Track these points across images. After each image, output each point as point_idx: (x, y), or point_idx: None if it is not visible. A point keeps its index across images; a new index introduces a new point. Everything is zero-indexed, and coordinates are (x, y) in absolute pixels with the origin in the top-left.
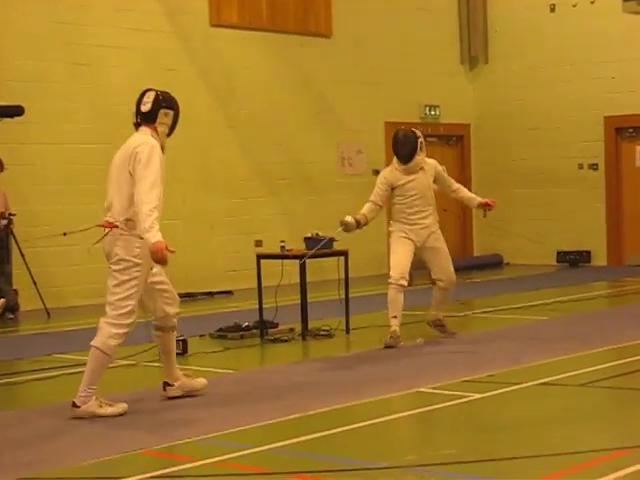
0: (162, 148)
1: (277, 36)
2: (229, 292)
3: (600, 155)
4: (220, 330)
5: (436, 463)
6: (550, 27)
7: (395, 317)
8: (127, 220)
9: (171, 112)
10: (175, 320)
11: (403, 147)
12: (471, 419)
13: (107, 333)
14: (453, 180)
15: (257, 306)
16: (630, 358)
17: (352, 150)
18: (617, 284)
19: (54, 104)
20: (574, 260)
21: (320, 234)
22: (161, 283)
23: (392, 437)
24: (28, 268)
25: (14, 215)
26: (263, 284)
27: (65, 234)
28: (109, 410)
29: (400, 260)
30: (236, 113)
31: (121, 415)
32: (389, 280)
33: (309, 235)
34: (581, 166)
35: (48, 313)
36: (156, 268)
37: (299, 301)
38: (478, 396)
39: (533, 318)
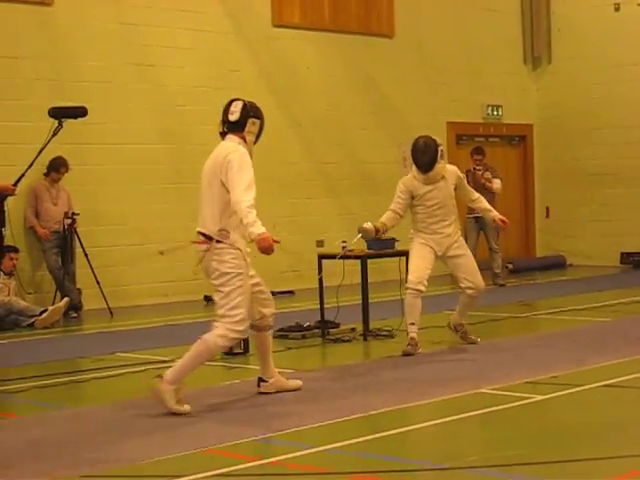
0: (250, 155)
1: (339, 36)
2: (291, 292)
3: None
4: (281, 330)
5: (498, 464)
6: (614, 26)
7: (413, 324)
8: (220, 230)
9: (258, 121)
10: (271, 320)
11: (424, 156)
12: (534, 420)
13: (220, 331)
14: (471, 189)
15: (318, 306)
16: None
17: None
18: None
19: (118, 104)
20: (638, 261)
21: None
22: (258, 285)
23: (454, 438)
24: (91, 267)
25: (78, 215)
26: (324, 284)
27: (162, 253)
28: (174, 407)
29: (419, 265)
30: (298, 113)
31: (184, 414)
32: (406, 285)
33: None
34: None
35: (111, 312)
36: (253, 271)
37: (360, 301)
38: (541, 397)
39: (596, 320)
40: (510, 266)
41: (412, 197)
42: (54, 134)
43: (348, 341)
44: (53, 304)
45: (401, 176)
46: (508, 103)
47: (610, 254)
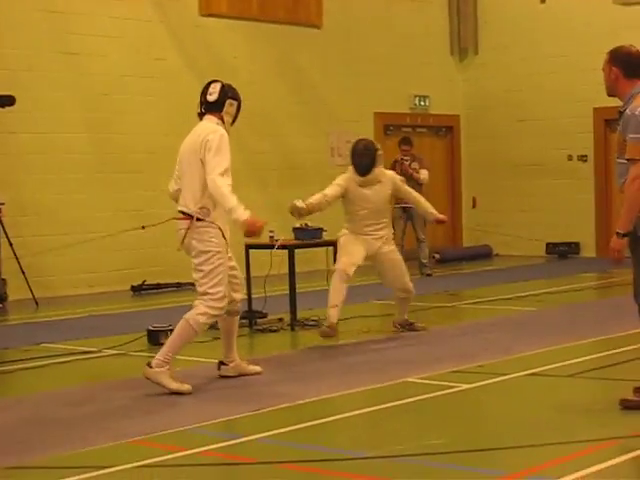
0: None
1: (267, 26)
2: None
3: (589, 147)
4: None
5: (423, 453)
6: (540, 18)
7: (336, 306)
8: (201, 208)
9: (235, 102)
10: (240, 305)
11: (362, 159)
12: (459, 409)
13: (200, 310)
14: (411, 190)
15: (246, 296)
16: (618, 349)
17: (342, 140)
18: (605, 275)
19: (43, 93)
20: (563, 251)
21: (309, 224)
22: (233, 268)
23: (380, 427)
24: (16, 257)
25: (3, 204)
26: (252, 274)
27: (143, 227)
28: (174, 385)
29: (350, 252)
30: None
31: (183, 394)
32: (335, 266)
33: (298, 225)
34: (570, 157)
35: (36, 302)
36: (230, 253)
37: (288, 291)
38: (466, 386)
39: (522, 309)
40: (437, 256)
41: (345, 194)
42: None
43: (276, 331)
44: None
45: (330, 166)
46: (435, 94)
47: (535, 244)
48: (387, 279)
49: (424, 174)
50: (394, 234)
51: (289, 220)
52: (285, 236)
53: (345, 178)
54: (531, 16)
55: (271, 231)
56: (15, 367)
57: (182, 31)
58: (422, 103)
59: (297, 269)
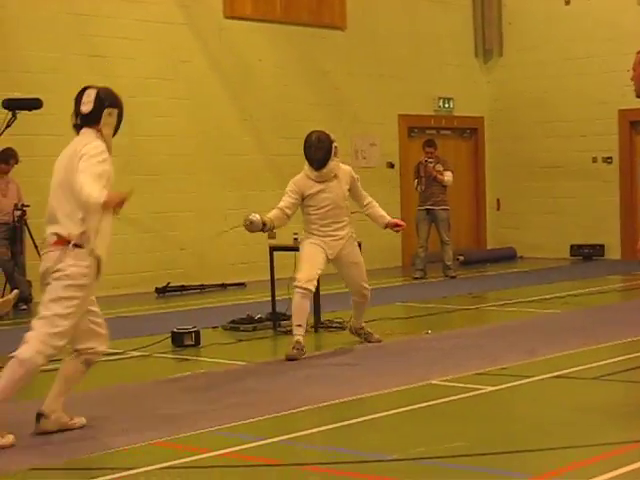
0: (108, 150)
1: (291, 28)
2: (242, 284)
3: (614, 148)
4: (233, 322)
5: (447, 455)
6: (565, 20)
7: (300, 325)
8: (82, 233)
9: (115, 110)
10: (98, 359)
11: (317, 151)
12: (483, 412)
13: (35, 348)
14: (366, 193)
15: (270, 298)
16: None
17: (366, 143)
18: (630, 278)
19: (68, 96)
20: (588, 254)
21: None
22: (95, 314)
23: (403, 429)
24: (42, 259)
25: (28, 206)
26: (276, 276)
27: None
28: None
29: (310, 264)
30: (249, 105)
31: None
32: (295, 283)
33: None
34: (595, 159)
35: None
36: (93, 296)
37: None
38: (490, 389)
39: (546, 311)
40: (461, 258)
41: (303, 197)
42: (7, 125)
43: None
44: (2, 296)
45: (353, 168)
46: (459, 96)
47: (560, 246)
48: (346, 281)
49: (448, 176)
50: (417, 236)
51: None
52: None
53: (296, 181)
54: (556, 17)
55: (295, 233)
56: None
57: (206, 33)
58: (446, 105)
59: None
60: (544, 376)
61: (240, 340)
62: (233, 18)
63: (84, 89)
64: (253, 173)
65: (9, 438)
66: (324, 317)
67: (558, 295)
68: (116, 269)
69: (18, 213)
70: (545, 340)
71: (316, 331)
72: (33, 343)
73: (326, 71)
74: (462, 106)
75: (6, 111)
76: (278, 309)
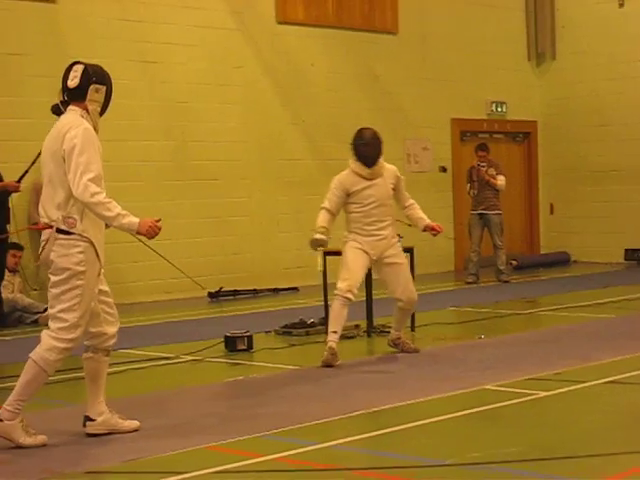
0: (95, 129)
1: (343, 33)
2: (295, 289)
3: None
4: (285, 326)
5: (500, 461)
6: (619, 22)
7: (335, 332)
8: (65, 218)
9: (103, 87)
10: (113, 342)
11: (373, 149)
12: (536, 417)
13: (46, 344)
14: (409, 195)
15: (322, 303)
16: None
17: (418, 147)
18: None
19: (121, 101)
20: None
21: None
22: (105, 294)
23: (457, 434)
24: None
25: None
26: (328, 281)
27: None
28: (28, 441)
29: (352, 272)
30: (302, 110)
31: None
32: (336, 292)
33: None
34: None
35: None
36: (102, 275)
37: (364, 298)
38: (544, 394)
39: (600, 316)
40: (514, 263)
41: (347, 195)
42: None
43: (352, 338)
44: None
45: (406, 172)
46: (512, 100)
47: (614, 250)
48: (389, 284)
49: (501, 180)
50: (470, 240)
51: None
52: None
53: (341, 178)
54: (609, 20)
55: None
56: None
57: (259, 39)
58: (499, 109)
59: (374, 276)
60: (598, 381)
61: (292, 345)
62: (285, 23)
63: (72, 64)
64: (306, 178)
65: (41, 438)
66: (377, 322)
67: (612, 300)
68: (169, 274)
69: None
70: (599, 345)
71: (369, 336)
72: (45, 340)
73: (378, 75)
74: (515, 110)
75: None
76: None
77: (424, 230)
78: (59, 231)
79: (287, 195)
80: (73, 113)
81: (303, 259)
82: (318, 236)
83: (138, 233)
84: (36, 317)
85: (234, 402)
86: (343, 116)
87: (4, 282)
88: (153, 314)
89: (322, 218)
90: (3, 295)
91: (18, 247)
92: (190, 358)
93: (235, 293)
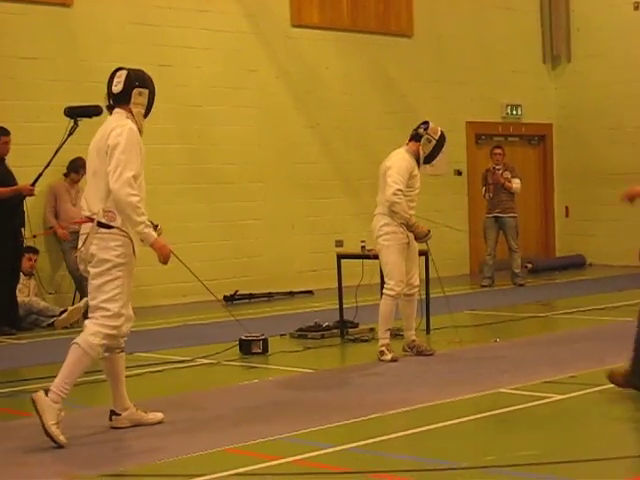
0: (140, 131)
1: (358, 36)
2: (309, 292)
3: None
4: (300, 330)
5: (515, 464)
6: (634, 25)
7: (389, 330)
8: (107, 212)
9: (145, 91)
10: (123, 340)
11: (441, 150)
12: (552, 420)
13: (91, 330)
14: None
15: (337, 306)
16: None
17: None
18: None
19: None
20: None
21: None
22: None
23: (472, 437)
24: None
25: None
26: (343, 284)
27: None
28: (52, 429)
29: (400, 267)
30: (316, 113)
31: (59, 443)
32: (387, 292)
33: None
34: None
35: None
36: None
37: (379, 301)
38: (559, 397)
39: (616, 319)
40: (529, 266)
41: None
42: (70, 133)
43: (367, 341)
44: (73, 304)
45: (420, 176)
46: (527, 102)
47: (630, 253)
48: (406, 267)
49: (516, 183)
50: (486, 243)
51: None
52: (376, 246)
53: (411, 162)
54: (624, 23)
55: (362, 241)
56: None
57: (274, 42)
58: (514, 112)
59: None
60: (613, 385)
61: (308, 348)
62: (300, 26)
63: (116, 70)
64: (321, 181)
65: (62, 439)
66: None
67: (628, 303)
68: (186, 277)
69: None
70: (615, 348)
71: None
72: (89, 327)
73: (393, 78)
74: (530, 113)
75: (69, 120)
76: (345, 317)
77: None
78: (100, 225)
79: (302, 198)
80: (119, 115)
81: (318, 262)
82: (430, 235)
83: (151, 246)
84: (52, 320)
85: (250, 405)
86: (358, 119)
87: (19, 286)
88: (170, 317)
89: (404, 206)
90: (18, 299)
91: (33, 250)
92: (206, 361)
93: (250, 297)
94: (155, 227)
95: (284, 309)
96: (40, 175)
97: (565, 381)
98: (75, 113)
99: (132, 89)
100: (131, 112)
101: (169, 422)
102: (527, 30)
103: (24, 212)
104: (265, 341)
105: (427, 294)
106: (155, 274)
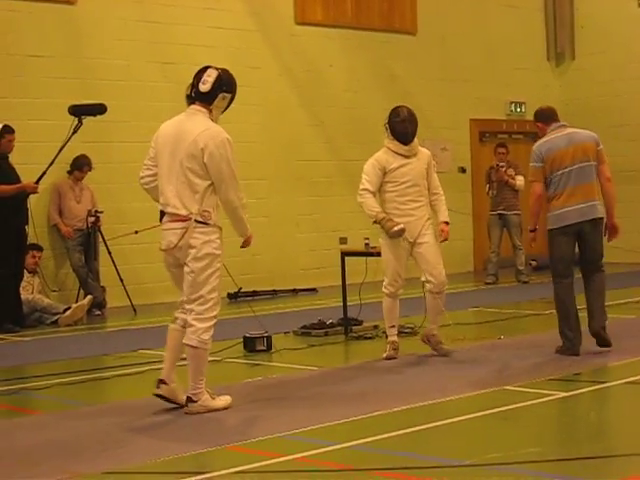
0: None
1: (362, 33)
2: (313, 289)
3: None
4: (304, 327)
5: (519, 461)
6: (638, 22)
7: (393, 326)
8: (202, 211)
9: (229, 96)
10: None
11: (410, 125)
12: (556, 418)
13: (198, 330)
14: (439, 184)
15: (341, 303)
16: None
17: (437, 147)
18: None
19: (141, 102)
20: None
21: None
22: None
23: (476, 435)
24: (115, 265)
25: (101, 213)
26: (347, 281)
27: (137, 232)
28: (220, 404)
29: (395, 266)
30: (320, 111)
31: (227, 408)
32: (384, 290)
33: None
34: None
35: (134, 309)
36: None
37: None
38: (564, 394)
39: (620, 316)
40: (534, 263)
41: (384, 173)
42: (74, 131)
43: (371, 338)
44: (77, 302)
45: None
46: (531, 100)
47: (634, 251)
48: (421, 267)
49: (520, 181)
50: (490, 241)
51: None
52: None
53: (377, 157)
54: (628, 20)
55: (366, 238)
56: (113, 373)
57: (277, 40)
58: (518, 109)
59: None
60: (618, 382)
61: (312, 345)
62: (304, 24)
63: (206, 67)
64: (325, 178)
65: (224, 399)
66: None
67: (632, 300)
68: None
69: (92, 219)
70: (619, 345)
71: (387, 337)
72: (196, 325)
73: (397, 76)
74: (534, 110)
75: (73, 117)
76: (349, 314)
77: (439, 224)
78: (197, 222)
79: (306, 196)
80: (203, 115)
81: (322, 260)
82: (400, 227)
83: (245, 241)
84: (55, 318)
85: (253, 402)
86: (362, 117)
87: (23, 283)
88: (173, 314)
89: (373, 202)
90: (22, 296)
91: (37, 248)
92: (210, 359)
93: (254, 294)
94: None
95: (288, 306)
96: (44, 173)
97: (570, 378)
98: (79, 111)
99: (219, 92)
100: (211, 112)
101: (172, 420)
102: (531, 27)
103: (28, 210)
104: (269, 338)
105: None
106: (157, 271)
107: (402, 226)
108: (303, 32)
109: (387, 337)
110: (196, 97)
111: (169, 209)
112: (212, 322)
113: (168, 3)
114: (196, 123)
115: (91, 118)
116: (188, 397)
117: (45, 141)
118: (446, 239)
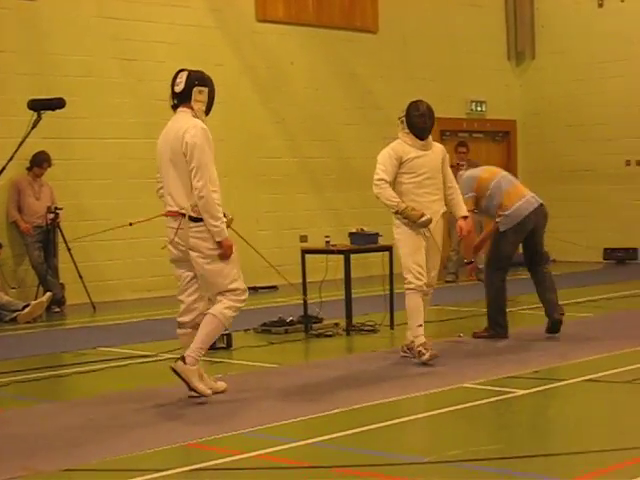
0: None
1: (323, 31)
2: (274, 287)
3: None
4: (264, 325)
5: (479, 459)
6: (598, 22)
7: (421, 325)
8: (193, 206)
9: (205, 89)
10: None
11: (428, 120)
12: (515, 415)
13: (225, 304)
14: (453, 178)
15: (301, 301)
16: None
17: None
18: None
19: (101, 99)
20: (620, 257)
21: (365, 229)
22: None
23: (436, 432)
24: (74, 262)
25: (61, 209)
26: (308, 279)
27: (131, 224)
28: (200, 386)
29: (417, 259)
30: (282, 108)
31: (204, 396)
32: (408, 285)
33: (354, 230)
34: (628, 162)
35: (94, 307)
36: None
37: (344, 296)
38: (522, 392)
39: (579, 315)
40: None
41: (400, 164)
42: (33, 126)
43: (331, 336)
44: (36, 299)
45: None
46: (492, 99)
47: (593, 250)
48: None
49: None
50: (450, 239)
51: (345, 225)
52: (341, 241)
53: (395, 147)
54: (588, 20)
55: (327, 236)
56: (72, 371)
57: (239, 37)
58: (478, 108)
59: (353, 274)
60: (576, 379)
61: (272, 343)
62: (265, 21)
63: (178, 72)
64: (286, 176)
65: (220, 385)
66: (356, 320)
67: (591, 299)
68: (150, 272)
69: (51, 216)
70: (577, 343)
71: (348, 334)
72: (223, 301)
73: (358, 74)
74: (494, 109)
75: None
76: (310, 312)
77: (457, 219)
78: (191, 218)
79: (266, 193)
80: (185, 114)
81: (282, 257)
82: (428, 216)
83: (219, 242)
84: (14, 315)
85: (213, 400)
86: (323, 114)
87: None
88: (133, 312)
89: (392, 192)
90: None
91: None
92: (170, 356)
93: None
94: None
95: (248, 304)
96: (3, 169)
97: (528, 376)
98: (38, 106)
99: (192, 87)
100: (193, 109)
101: (130, 417)
102: (492, 27)
103: None
104: (229, 336)
105: (391, 290)
106: (120, 269)
107: (429, 216)
108: (264, 29)
109: (413, 340)
110: (177, 100)
111: (167, 207)
112: (240, 304)
113: None
114: (180, 122)
115: (51, 114)
116: (183, 357)
117: (4, 137)
118: (467, 234)
